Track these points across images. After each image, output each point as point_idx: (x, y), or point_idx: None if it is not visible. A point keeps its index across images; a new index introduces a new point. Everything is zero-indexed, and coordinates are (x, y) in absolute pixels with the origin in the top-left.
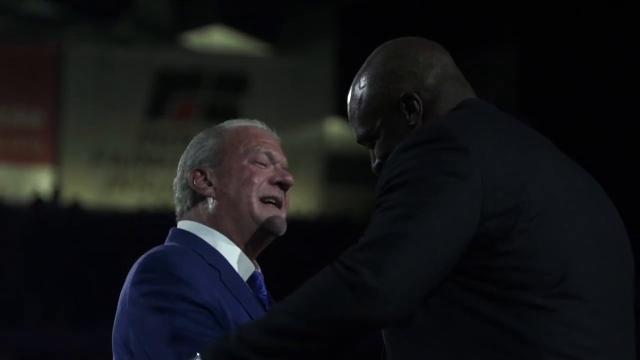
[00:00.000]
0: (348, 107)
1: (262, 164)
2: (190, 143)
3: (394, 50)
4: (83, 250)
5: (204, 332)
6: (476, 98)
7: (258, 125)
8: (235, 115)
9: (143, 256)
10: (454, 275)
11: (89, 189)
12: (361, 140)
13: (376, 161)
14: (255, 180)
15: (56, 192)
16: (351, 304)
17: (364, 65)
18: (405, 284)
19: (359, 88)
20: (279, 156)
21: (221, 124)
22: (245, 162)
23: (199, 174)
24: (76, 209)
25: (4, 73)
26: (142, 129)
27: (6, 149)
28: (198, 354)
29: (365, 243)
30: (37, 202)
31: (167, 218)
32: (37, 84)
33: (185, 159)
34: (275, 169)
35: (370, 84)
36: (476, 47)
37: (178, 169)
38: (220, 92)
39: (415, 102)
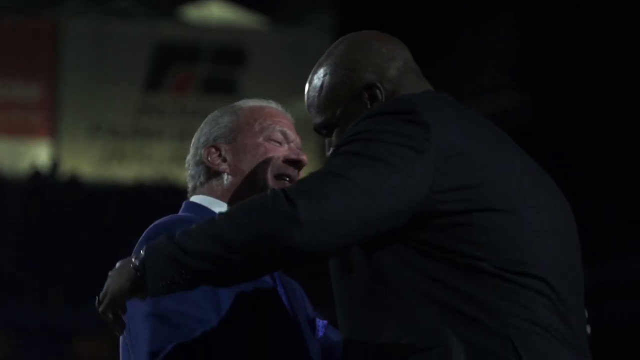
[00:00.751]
0: (306, 95)
1: (277, 142)
2: (205, 121)
3: (358, 41)
4: (81, 223)
5: (186, 312)
6: (435, 90)
7: (273, 105)
8: (233, 89)
9: (153, 224)
10: (415, 242)
11: (87, 162)
12: (319, 128)
13: (331, 149)
14: (270, 158)
15: (54, 166)
16: (278, 227)
17: (324, 55)
18: (330, 220)
19: (321, 76)
20: (293, 136)
21: (236, 103)
22: (261, 139)
23: (213, 150)
24: (74, 182)
25: (1, 46)
26: (140, 102)
27: (4, 122)
28: (144, 247)
29: (309, 177)
30: (35, 175)
31: (165, 191)
32: (35, 58)
33: (199, 136)
34: (290, 148)
35: (332, 73)
36: (475, 24)
37: (191, 146)
38: (219, 65)
39: (378, 91)
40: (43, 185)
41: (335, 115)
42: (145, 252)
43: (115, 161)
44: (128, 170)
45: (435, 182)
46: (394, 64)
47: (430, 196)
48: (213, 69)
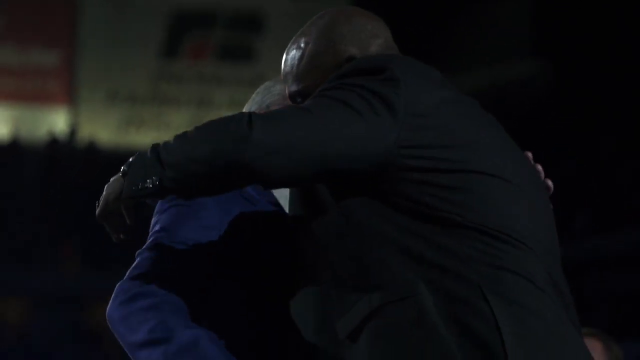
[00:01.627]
0: (284, 62)
1: None
2: (257, 91)
3: (343, 16)
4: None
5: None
6: None
7: None
8: (250, 56)
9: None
10: (388, 196)
11: (104, 129)
12: (294, 95)
13: None
14: None
15: (72, 132)
16: (232, 144)
17: (307, 25)
18: (282, 144)
19: (302, 45)
20: None
21: None
22: None
23: None
24: (92, 149)
25: (19, 12)
26: (157, 69)
27: (22, 89)
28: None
29: (279, 108)
30: (53, 142)
31: None
32: (53, 24)
33: (250, 105)
34: None
35: (315, 43)
36: None
37: None
38: (236, 32)
39: None
40: (61, 152)
41: (314, 85)
42: (132, 158)
43: (133, 128)
44: (146, 137)
45: (401, 137)
46: (377, 41)
47: (395, 150)
48: (230, 36)
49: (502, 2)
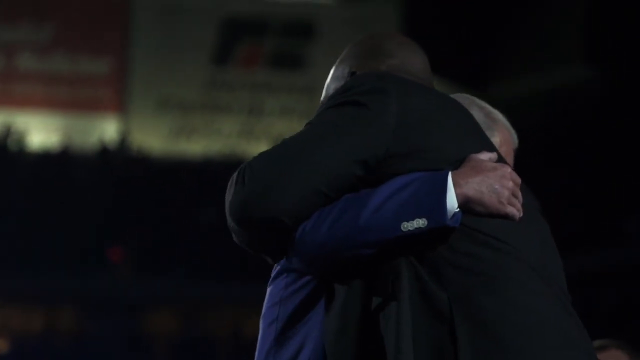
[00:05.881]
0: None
1: None
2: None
3: (369, 37)
4: (149, 198)
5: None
6: None
7: None
8: (301, 63)
9: None
10: None
11: (155, 137)
12: (322, 104)
13: None
14: None
15: (122, 141)
16: (236, 205)
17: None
18: (268, 192)
19: (337, 61)
20: None
21: None
22: None
23: None
24: (142, 157)
25: (70, 20)
26: (208, 76)
27: (72, 97)
28: None
29: (271, 149)
30: (104, 151)
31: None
32: (103, 32)
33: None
34: None
35: (342, 60)
36: None
37: None
38: (287, 39)
39: None
40: (111, 161)
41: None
42: None
43: (184, 136)
44: (196, 145)
45: (391, 147)
46: (389, 61)
47: (385, 158)
48: (281, 43)
49: (555, 9)
